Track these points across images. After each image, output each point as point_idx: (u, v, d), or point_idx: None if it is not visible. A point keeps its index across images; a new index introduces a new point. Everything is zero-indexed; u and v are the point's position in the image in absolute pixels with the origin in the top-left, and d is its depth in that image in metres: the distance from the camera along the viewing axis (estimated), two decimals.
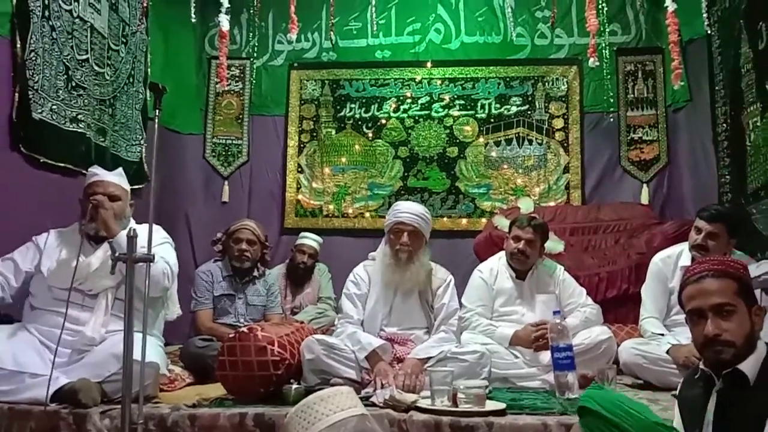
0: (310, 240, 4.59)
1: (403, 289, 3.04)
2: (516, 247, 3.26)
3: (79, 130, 3.67)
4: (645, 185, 5.01)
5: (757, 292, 2.49)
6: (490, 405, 2.39)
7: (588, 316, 3.23)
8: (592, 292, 3.72)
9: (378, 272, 3.07)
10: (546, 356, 2.95)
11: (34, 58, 3.23)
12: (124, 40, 4.26)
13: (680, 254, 3.19)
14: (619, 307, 4.01)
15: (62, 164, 3.49)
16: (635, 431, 1.21)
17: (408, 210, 3.04)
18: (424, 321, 3.08)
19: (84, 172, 3.56)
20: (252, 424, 2.31)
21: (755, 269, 2.63)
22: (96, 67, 3.87)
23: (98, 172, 2.85)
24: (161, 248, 2.81)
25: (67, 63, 3.54)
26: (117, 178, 2.86)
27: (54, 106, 3.42)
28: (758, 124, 3.64)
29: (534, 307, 3.28)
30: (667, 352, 2.90)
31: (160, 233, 2.91)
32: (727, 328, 1.58)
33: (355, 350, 2.82)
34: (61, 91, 3.49)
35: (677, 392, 1.78)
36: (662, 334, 3.08)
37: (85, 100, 3.74)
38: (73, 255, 2.50)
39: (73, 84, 3.62)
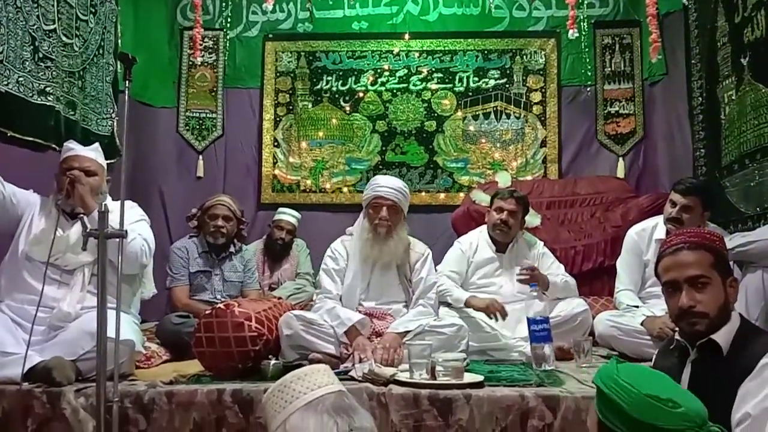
0: (288, 216, 4.55)
1: (381, 264, 3.04)
2: (499, 218, 3.30)
3: (48, 103, 3.56)
4: (621, 159, 5.04)
5: (730, 264, 2.53)
6: (468, 377, 2.42)
7: (568, 280, 3.28)
8: (568, 265, 3.77)
9: (356, 247, 3.06)
10: (523, 328, 2.98)
11: None
12: (93, 10, 4.13)
13: (655, 227, 3.23)
14: (595, 280, 4.07)
15: (31, 138, 3.39)
16: (627, 405, 1.21)
17: (387, 184, 3.03)
18: (403, 295, 3.09)
19: (53, 146, 3.49)
20: (230, 401, 2.30)
21: (728, 242, 2.67)
22: (64, 38, 3.75)
23: (74, 147, 2.80)
24: (138, 225, 2.77)
25: (33, 33, 3.42)
26: (93, 153, 2.81)
27: (21, 78, 3.31)
28: (733, 97, 3.67)
29: (512, 279, 3.30)
30: (642, 324, 2.95)
31: (136, 210, 2.87)
32: (701, 299, 1.60)
33: (335, 325, 2.82)
34: (27, 63, 3.37)
35: (652, 363, 1.81)
36: (637, 306, 3.12)
37: (54, 72, 3.62)
38: (51, 228, 2.46)
39: (41, 55, 3.50)
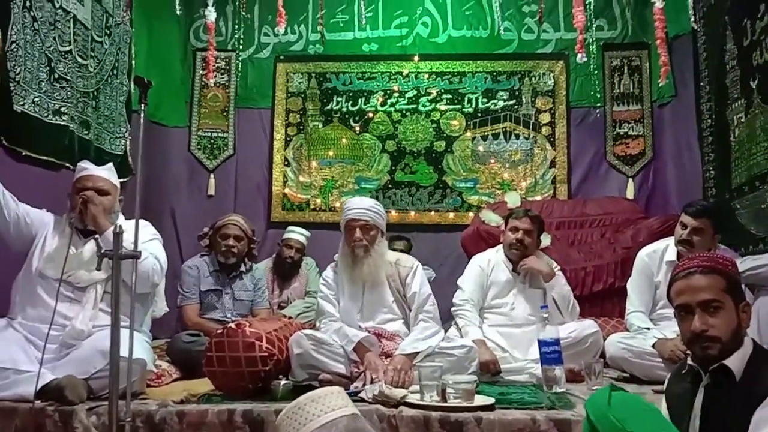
0: (297, 234, 4.57)
1: (369, 284, 3.05)
2: (515, 238, 3.31)
3: (62, 123, 3.61)
4: (630, 180, 5.04)
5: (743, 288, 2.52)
6: (479, 400, 2.40)
7: (575, 303, 3.28)
8: (578, 287, 3.75)
9: (343, 271, 3.08)
10: (534, 350, 2.96)
11: (15, 50, 3.17)
12: (108, 32, 4.20)
13: (666, 249, 3.22)
14: (605, 301, 4.04)
15: (45, 157, 3.43)
16: None
17: (356, 206, 3.06)
18: (399, 312, 3.09)
19: (67, 165, 3.53)
20: (241, 421, 2.29)
21: (739, 265, 2.66)
22: (79, 59, 3.81)
23: (87, 167, 2.83)
24: (150, 244, 2.79)
25: (49, 54, 3.48)
26: (106, 172, 2.84)
27: (36, 99, 3.37)
28: (742, 120, 3.68)
29: (524, 300, 3.30)
30: (653, 346, 2.93)
31: (149, 229, 2.89)
32: (714, 324, 1.59)
33: (343, 344, 2.82)
34: (43, 83, 3.43)
35: (665, 387, 1.80)
36: (648, 328, 3.10)
37: (68, 93, 3.68)
38: (64, 246, 2.48)
39: (56, 76, 3.56)
